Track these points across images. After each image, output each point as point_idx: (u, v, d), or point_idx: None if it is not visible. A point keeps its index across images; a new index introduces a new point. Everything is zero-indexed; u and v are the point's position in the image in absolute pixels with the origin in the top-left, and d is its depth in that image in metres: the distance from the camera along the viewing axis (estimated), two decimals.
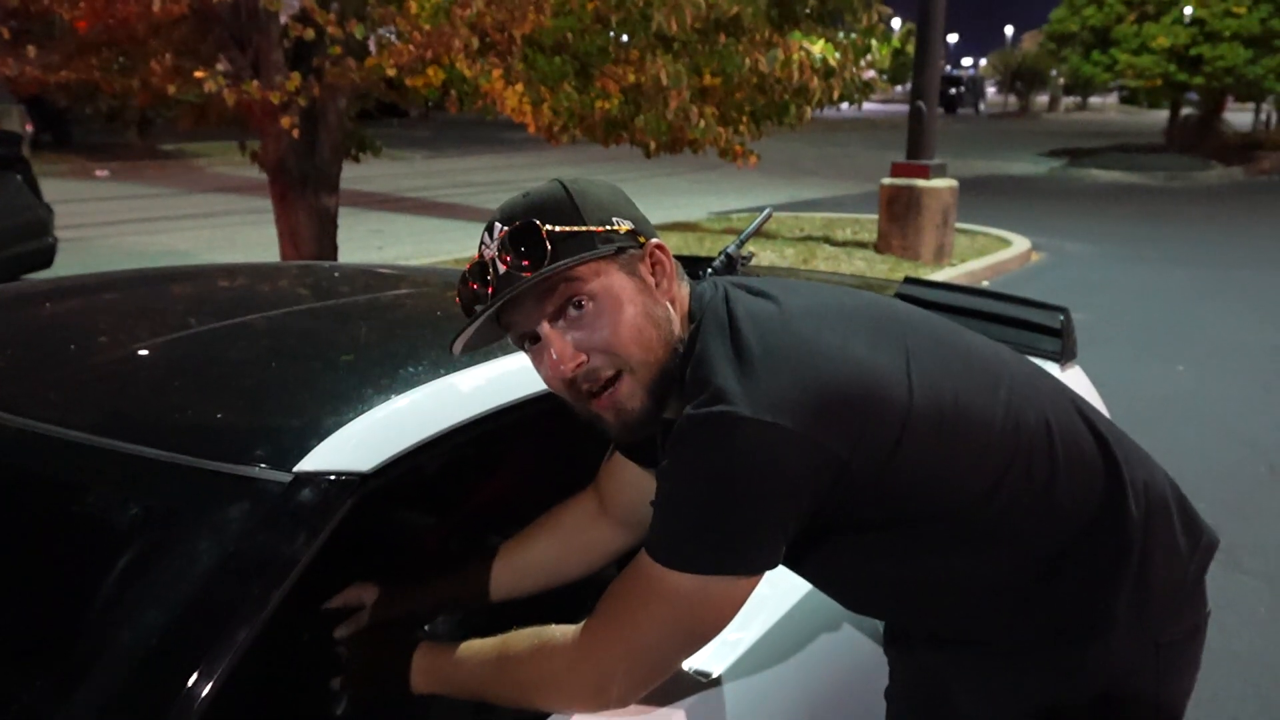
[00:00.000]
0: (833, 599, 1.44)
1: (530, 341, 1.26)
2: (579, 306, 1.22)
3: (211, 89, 4.92)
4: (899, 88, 36.14)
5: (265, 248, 7.91)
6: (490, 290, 1.21)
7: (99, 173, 15.84)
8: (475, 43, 4.85)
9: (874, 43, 6.69)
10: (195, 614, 1.14)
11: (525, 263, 1.19)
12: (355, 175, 9.29)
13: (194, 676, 1.07)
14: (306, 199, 6.03)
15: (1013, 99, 53.46)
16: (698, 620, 1.22)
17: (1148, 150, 22.71)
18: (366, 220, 11.54)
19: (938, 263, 9.77)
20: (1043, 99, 55.55)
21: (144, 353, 1.66)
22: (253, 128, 6.02)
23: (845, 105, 7.87)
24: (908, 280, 3.01)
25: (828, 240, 10.79)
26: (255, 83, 5.02)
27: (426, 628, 1.64)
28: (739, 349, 1.19)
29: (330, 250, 6.29)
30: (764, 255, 9.56)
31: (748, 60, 5.52)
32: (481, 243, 1.24)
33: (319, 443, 1.32)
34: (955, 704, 1.37)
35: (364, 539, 1.54)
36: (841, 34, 6.69)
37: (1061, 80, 35.68)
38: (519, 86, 5.20)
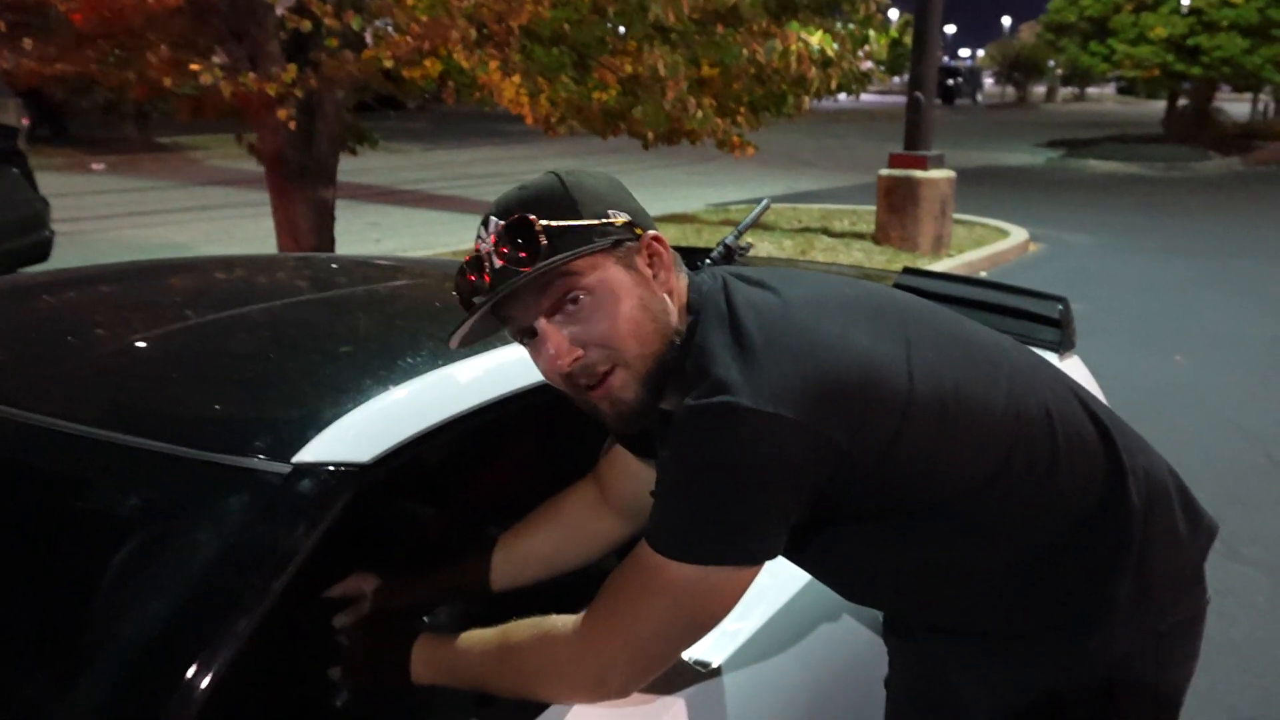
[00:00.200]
0: (833, 590, 1.44)
1: (527, 336, 1.25)
2: (575, 301, 1.21)
3: (208, 81, 4.91)
4: (897, 79, 36.11)
5: (263, 240, 7.90)
6: (487, 283, 1.21)
7: (95, 166, 15.80)
8: (473, 34, 4.84)
9: (871, 33, 6.68)
10: (194, 606, 1.14)
11: (522, 256, 1.18)
12: (352, 168, 9.28)
13: (193, 668, 1.07)
14: (304, 191, 6.02)
15: (1010, 90, 53.40)
16: (698, 610, 1.22)
17: (1146, 141, 22.69)
18: (364, 213, 11.52)
19: (936, 254, 9.77)
20: (1040, 90, 55.51)
21: (142, 345, 1.66)
22: (250, 120, 6.00)
23: (843, 96, 7.85)
24: (906, 270, 3.00)
25: (826, 231, 10.78)
26: (252, 75, 5.01)
27: (427, 618, 1.64)
28: (739, 338, 1.18)
29: (328, 242, 6.28)
30: (762, 247, 9.56)
31: (745, 51, 5.50)
32: (478, 236, 1.24)
33: (318, 434, 1.31)
34: (956, 692, 1.38)
35: (364, 530, 1.53)
36: (839, 24, 6.67)
37: (1059, 71, 35.67)
38: (516, 78, 5.19)
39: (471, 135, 22.56)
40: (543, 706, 1.29)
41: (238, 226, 10.52)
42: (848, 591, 1.44)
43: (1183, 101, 24.98)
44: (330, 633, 1.51)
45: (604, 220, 1.22)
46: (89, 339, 1.72)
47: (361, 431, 1.34)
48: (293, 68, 5.14)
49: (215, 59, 5.14)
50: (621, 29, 5.69)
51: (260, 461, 1.28)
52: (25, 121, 11.45)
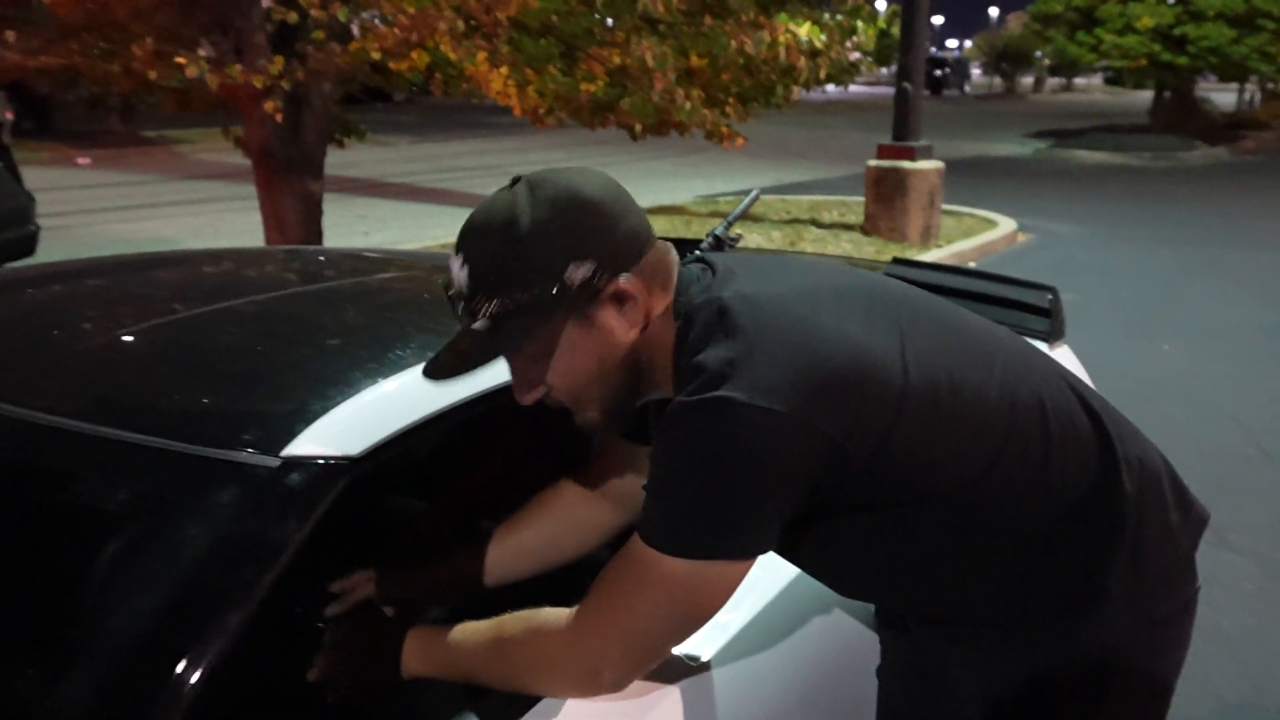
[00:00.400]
0: (825, 585, 1.44)
1: None
2: (533, 355, 1.25)
3: (193, 74, 4.88)
4: (884, 70, 36.09)
5: (250, 234, 7.87)
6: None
7: (81, 160, 15.72)
8: (460, 25, 4.81)
9: (860, 24, 6.67)
10: (184, 601, 1.13)
11: (472, 325, 1.21)
12: (340, 160, 9.24)
13: (183, 664, 1.06)
14: (291, 184, 5.99)
15: (998, 80, 53.45)
16: (692, 605, 1.21)
17: (1133, 131, 22.76)
18: (352, 206, 11.48)
19: (924, 244, 9.78)
20: (1028, 80, 55.58)
21: (130, 339, 1.65)
22: (236, 113, 5.97)
23: (831, 87, 7.86)
24: (895, 261, 3.00)
25: (815, 223, 10.79)
26: (238, 66, 4.97)
27: (419, 612, 1.63)
28: (733, 332, 1.17)
29: (316, 236, 6.26)
30: (751, 238, 9.55)
31: (734, 42, 5.49)
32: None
33: (307, 427, 1.31)
34: (949, 681, 1.37)
35: (353, 524, 1.53)
36: (827, 15, 6.67)
37: (1046, 61, 35.71)
38: (504, 69, 5.17)
39: (459, 127, 22.51)
40: (535, 699, 1.28)
41: (224, 220, 10.48)
42: (840, 586, 1.44)
43: (1169, 92, 25.05)
44: (322, 628, 1.50)
45: (558, 287, 1.18)
46: (76, 333, 1.71)
47: (351, 424, 1.33)
48: (279, 60, 5.11)
49: (201, 51, 5.11)
50: (609, 20, 5.68)
51: (249, 455, 1.27)
52: (9, 115, 11.35)
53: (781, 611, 1.58)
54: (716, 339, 1.18)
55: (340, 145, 6.92)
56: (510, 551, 1.57)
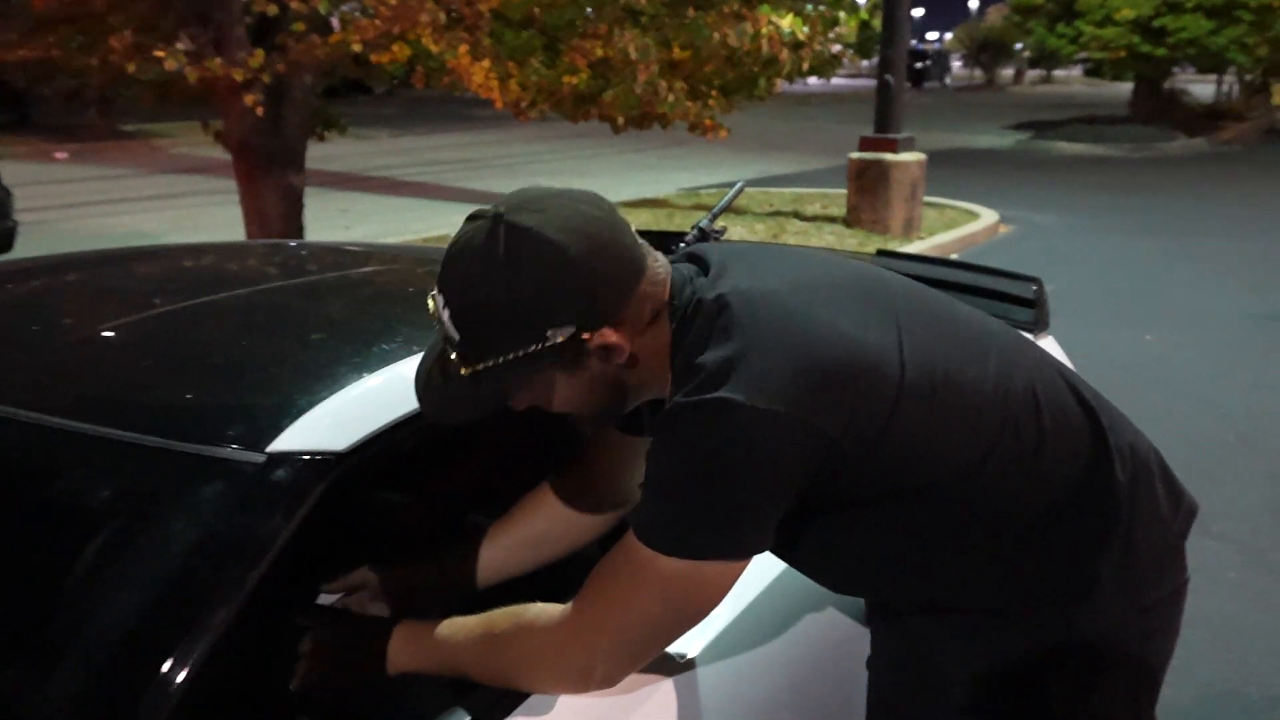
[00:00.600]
0: (817, 582, 1.43)
1: None
2: None
3: (173, 67, 4.84)
4: (866, 62, 36.10)
5: (230, 228, 7.82)
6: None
7: (59, 154, 15.58)
8: (442, 17, 4.79)
9: (842, 15, 6.67)
10: (169, 599, 1.12)
11: (458, 374, 1.21)
12: (320, 154, 9.20)
13: (169, 662, 1.05)
14: (272, 178, 5.96)
15: (978, 73, 53.55)
16: (687, 604, 1.21)
17: (1112, 122, 22.82)
18: (333, 199, 11.42)
19: (907, 236, 9.80)
20: (1008, 72, 55.69)
21: (112, 333, 1.63)
22: (216, 106, 5.93)
23: (813, 80, 7.87)
24: (880, 253, 3.01)
25: (797, 215, 10.79)
26: (218, 59, 4.94)
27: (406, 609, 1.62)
28: (730, 331, 1.17)
29: (297, 230, 6.23)
30: (734, 230, 9.52)
31: (716, 34, 5.48)
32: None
33: (292, 422, 1.29)
34: (940, 669, 1.37)
35: (340, 520, 1.52)
36: (810, 7, 6.66)
37: (1026, 53, 35.83)
38: (486, 62, 5.14)
39: (441, 120, 22.41)
40: (524, 696, 1.28)
41: (204, 214, 10.41)
42: (834, 581, 1.43)
43: (1147, 84, 25.15)
44: (308, 623, 1.48)
45: (541, 344, 1.17)
46: (57, 329, 1.69)
47: (337, 419, 1.32)
48: (259, 52, 5.07)
49: (180, 44, 5.07)
50: (590, 10, 5.65)
51: (234, 451, 1.26)
52: None
53: (770, 604, 1.58)
54: (714, 339, 1.17)
55: (321, 139, 6.88)
56: (501, 547, 1.56)
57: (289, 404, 1.33)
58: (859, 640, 1.55)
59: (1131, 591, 1.33)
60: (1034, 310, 2.59)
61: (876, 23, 10.16)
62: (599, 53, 5.43)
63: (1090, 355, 4.99)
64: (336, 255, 2.36)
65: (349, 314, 1.82)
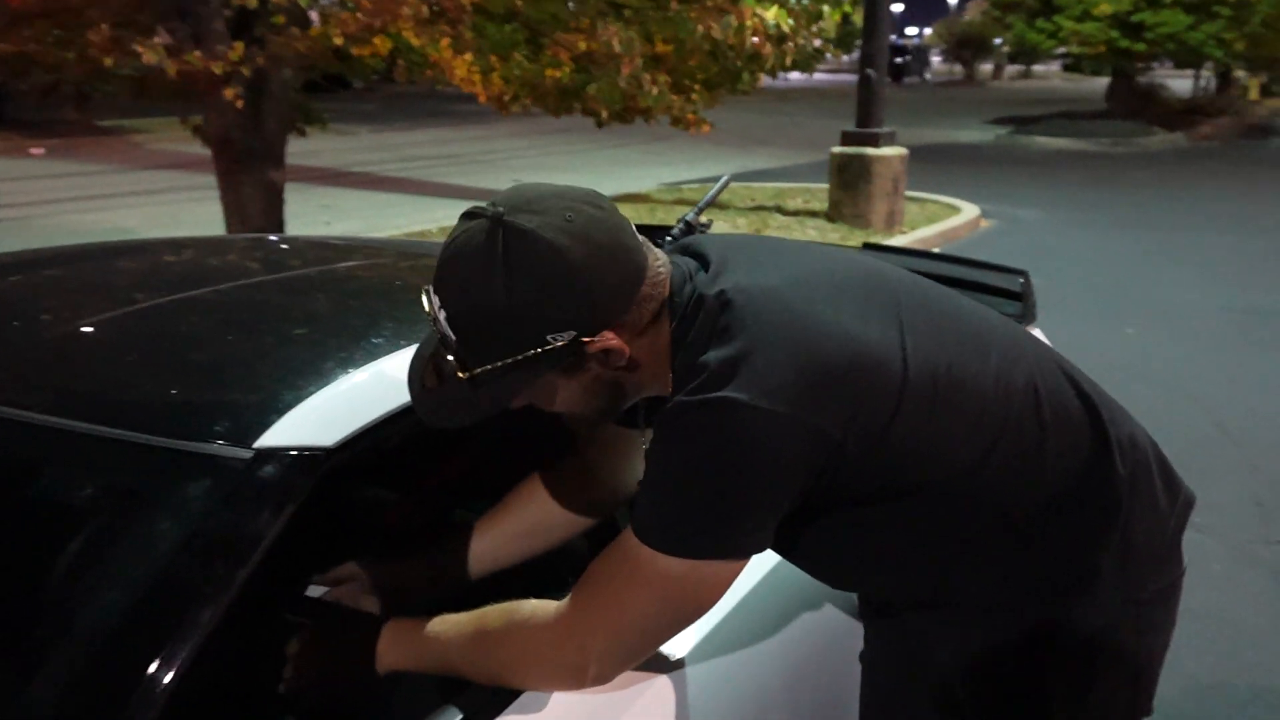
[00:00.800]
0: (815, 578, 1.42)
1: None
2: None
3: (151, 61, 4.79)
4: (845, 57, 36.15)
5: (210, 224, 7.75)
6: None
7: (35, 150, 15.42)
8: (425, 11, 4.75)
9: (826, 8, 6.67)
10: (156, 599, 1.11)
11: (455, 377, 1.19)
12: (300, 150, 9.12)
13: (156, 664, 1.03)
14: (252, 173, 5.91)
15: (958, 68, 53.71)
16: (685, 603, 1.20)
17: (1091, 116, 22.91)
18: (314, 195, 11.33)
19: (889, 230, 9.82)
20: (987, 67, 55.87)
21: (96, 328, 1.60)
22: (196, 101, 5.88)
23: (793, 75, 7.87)
24: (866, 246, 3.00)
25: (779, 210, 10.80)
26: (198, 53, 4.89)
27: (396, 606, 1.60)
28: (733, 329, 1.15)
29: (277, 225, 6.18)
30: (717, 225, 9.46)
31: (700, 27, 5.46)
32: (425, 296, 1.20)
33: (280, 418, 1.27)
34: (938, 663, 1.37)
35: (330, 517, 1.50)
36: (793, 0, 6.65)
37: (1006, 48, 35.91)
38: (468, 55, 5.12)
39: (421, 116, 22.30)
40: (516, 694, 1.27)
41: (184, 210, 10.32)
42: (833, 577, 1.43)
43: (1124, 79, 25.27)
44: (296, 621, 1.46)
45: (540, 349, 1.15)
46: (40, 324, 1.66)
47: (326, 414, 1.30)
48: (239, 46, 5.03)
49: (158, 38, 5.02)
50: (572, 3, 5.63)
51: (221, 447, 1.24)
52: None
53: (763, 599, 1.57)
54: (716, 337, 1.16)
55: (302, 134, 6.84)
56: (493, 539, 1.55)
57: (276, 399, 1.31)
58: (852, 635, 1.54)
59: (1130, 585, 1.32)
60: (1021, 303, 2.59)
61: (856, 17, 10.16)
62: (582, 46, 5.41)
63: (1072, 349, 4.99)
64: (322, 249, 2.34)
65: (337, 308, 1.80)
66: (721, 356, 1.14)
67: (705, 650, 1.43)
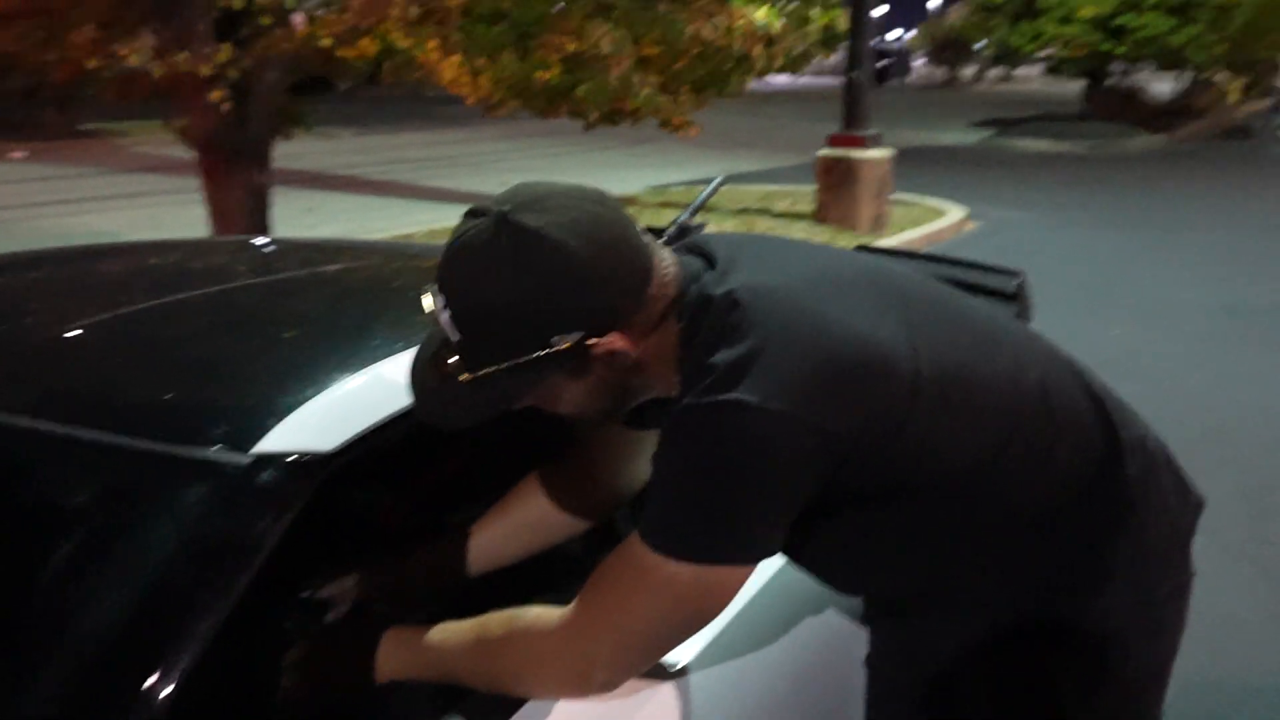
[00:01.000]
0: (822, 583, 1.41)
1: None
2: None
3: (136, 62, 4.75)
4: (826, 61, 36.26)
5: (193, 227, 7.70)
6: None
7: (16, 154, 15.31)
8: (414, 11, 4.72)
9: (814, 11, 6.67)
10: (153, 609, 1.08)
11: (460, 375, 1.17)
12: (284, 153, 9.07)
13: (154, 677, 1.00)
14: (238, 175, 5.88)
15: (940, 70, 53.90)
16: (694, 609, 1.18)
17: (1073, 119, 23.02)
18: (298, 198, 11.26)
19: (875, 232, 9.83)
20: (969, 70, 56.11)
21: (89, 332, 1.57)
22: (181, 102, 5.84)
23: (774, 77, 7.88)
24: (859, 249, 2.98)
25: (767, 212, 10.80)
26: (184, 54, 4.85)
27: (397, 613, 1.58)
28: (742, 329, 1.13)
29: (263, 228, 6.15)
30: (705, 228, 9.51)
31: (689, 28, 5.45)
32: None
33: (278, 422, 1.25)
34: (946, 666, 1.35)
35: (329, 523, 1.47)
36: (781, 2, 6.66)
37: (988, 51, 36.08)
38: (456, 57, 5.09)
39: (405, 119, 22.23)
40: (520, 702, 1.25)
41: (167, 213, 10.25)
42: (840, 580, 1.41)
43: (1110, 81, 25.42)
44: (295, 630, 1.44)
45: (546, 350, 1.13)
46: (33, 326, 1.63)
47: (325, 419, 1.28)
48: (227, 47, 4.99)
49: (142, 40, 4.98)
50: (561, 4, 5.60)
51: (218, 452, 1.22)
52: None
53: (767, 604, 1.55)
54: (725, 337, 1.14)
55: (287, 136, 6.80)
56: (493, 537, 1.52)
57: (274, 403, 1.29)
58: (856, 639, 1.52)
59: (1141, 587, 1.31)
60: (1016, 304, 2.58)
61: (839, 21, 10.17)
62: (571, 47, 5.39)
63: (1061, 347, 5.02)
64: (317, 251, 2.31)
65: (335, 310, 1.78)
66: (731, 357, 1.11)
67: (710, 656, 1.41)
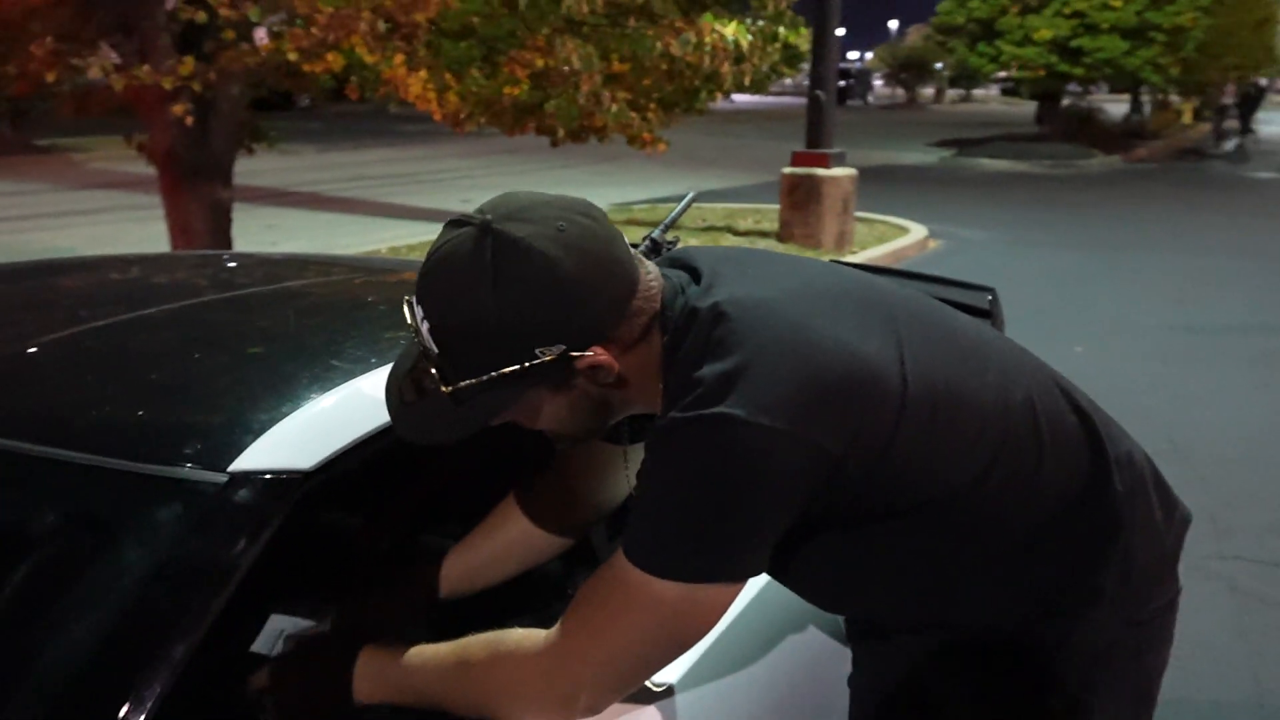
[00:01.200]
0: (808, 601, 1.38)
1: None
2: None
3: (97, 75, 4.68)
4: (789, 80, 36.57)
5: (153, 244, 7.60)
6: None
7: None
8: (381, 26, 4.69)
9: (781, 30, 6.71)
10: (126, 632, 1.05)
11: (440, 390, 1.14)
12: (244, 169, 8.97)
13: (126, 706, 0.97)
14: (199, 191, 5.79)
15: (900, 91, 54.52)
16: (681, 629, 1.15)
17: (1031, 139, 23.35)
18: (259, 215, 11.16)
19: (839, 250, 9.89)
20: (928, 91, 56.78)
21: (57, 347, 1.53)
22: (141, 117, 5.75)
23: (739, 97, 7.92)
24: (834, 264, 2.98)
25: (731, 230, 10.84)
26: (146, 67, 4.78)
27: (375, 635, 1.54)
28: (729, 342, 1.11)
29: (225, 244, 6.07)
30: None
31: (658, 44, 5.45)
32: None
33: (255, 439, 1.22)
34: (931, 686, 1.34)
35: (308, 542, 1.44)
36: (750, 20, 6.68)
37: (947, 72, 36.53)
38: (423, 72, 5.06)
39: (367, 136, 22.13)
40: None
41: (125, 230, 10.12)
42: (826, 600, 1.39)
43: (1066, 101, 25.81)
44: (270, 653, 1.40)
45: (529, 363, 1.11)
46: (1, 342, 1.58)
47: (303, 436, 1.24)
48: (190, 60, 4.92)
49: (101, 54, 4.90)
50: (529, 20, 5.59)
51: (193, 470, 1.18)
52: None
53: (749, 623, 1.53)
54: (711, 351, 1.11)
55: (250, 152, 6.72)
56: (472, 558, 1.49)
57: (251, 420, 1.26)
58: (838, 658, 1.51)
59: (1130, 605, 1.30)
60: (989, 320, 2.59)
61: (801, 42, 10.25)
62: (540, 63, 5.37)
63: None
64: (287, 266, 2.27)
65: (313, 325, 1.74)
66: (717, 371, 1.09)
67: (693, 677, 1.39)
